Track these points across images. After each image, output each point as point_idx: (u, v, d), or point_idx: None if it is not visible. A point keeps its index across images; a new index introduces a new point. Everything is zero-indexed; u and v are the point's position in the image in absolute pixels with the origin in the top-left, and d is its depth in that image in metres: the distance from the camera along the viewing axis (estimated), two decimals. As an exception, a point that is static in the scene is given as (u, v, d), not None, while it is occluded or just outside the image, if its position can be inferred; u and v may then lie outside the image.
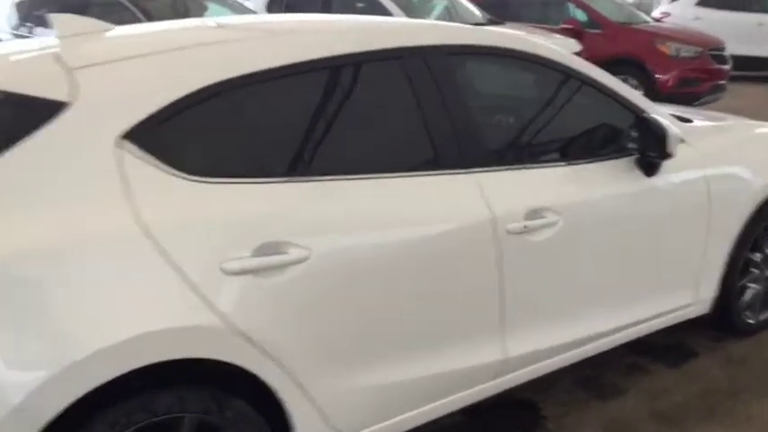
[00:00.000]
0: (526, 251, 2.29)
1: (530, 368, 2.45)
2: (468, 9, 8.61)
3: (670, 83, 8.58)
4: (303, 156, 2.05)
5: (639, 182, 2.58)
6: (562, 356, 2.56)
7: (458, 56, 2.32)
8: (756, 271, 3.21)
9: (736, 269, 3.06)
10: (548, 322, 2.43)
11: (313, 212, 1.91)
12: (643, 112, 2.62)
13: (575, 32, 8.87)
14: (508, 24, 8.55)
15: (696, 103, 8.85)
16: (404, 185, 2.09)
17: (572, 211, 2.40)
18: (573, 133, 2.58)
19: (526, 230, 2.26)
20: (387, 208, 2.05)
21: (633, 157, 2.58)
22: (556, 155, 2.50)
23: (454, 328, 2.22)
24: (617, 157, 2.57)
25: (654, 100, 9.36)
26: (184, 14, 7.40)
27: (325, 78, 2.11)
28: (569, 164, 2.47)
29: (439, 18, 8.47)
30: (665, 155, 2.47)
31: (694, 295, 2.92)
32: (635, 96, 2.69)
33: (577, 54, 7.80)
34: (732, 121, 3.46)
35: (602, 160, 2.54)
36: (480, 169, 2.23)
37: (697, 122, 3.03)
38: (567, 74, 2.53)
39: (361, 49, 2.15)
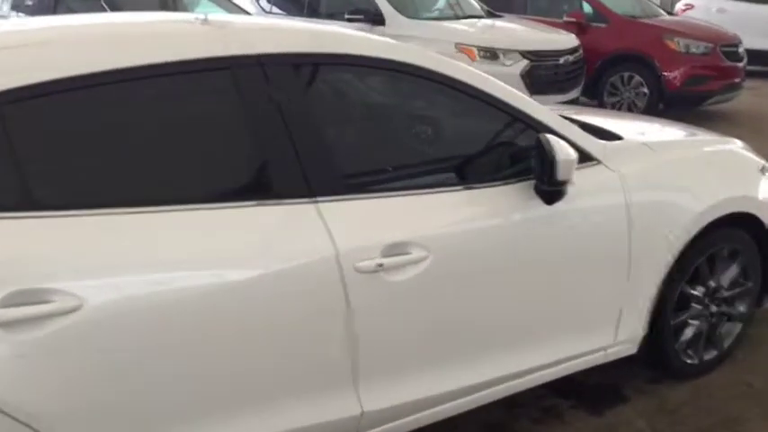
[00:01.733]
0: (383, 292, 1.99)
1: (400, 422, 2.15)
2: (468, 1, 8.25)
3: (677, 81, 8.08)
4: (78, 184, 1.75)
5: (538, 210, 2.25)
6: (447, 406, 2.25)
7: (307, 66, 2.02)
8: (698, 306, 2.85)
9: (669, 305, 2.72)
10: (418, 371, 2.12)
11: (88, 253, 1.64)
12: (545, 130, 2.29)
13: (578, 26, 8.44)
14: (506, 17, 8.17)
15: (707, 102, 8.35)
16: (218, 218, 1.80)
17: (446, 245, 2.08)
18: (454, 155, 2.27)
19: (382, 269, 1.97)
20: (192, 246, 1.76)
21: (532, 182, 2.27)
22: (429, 180, 2.18)
23: (292, 382, 1.93)
24: (512, 182, 2.25)
25: (660, 99, 9.00)
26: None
27: (103, 94, 1.78)
28: (446, 190, 2.15)
29: (441, 10, 8.12)
30: (554, 182, 2.15)
31: (615, 335, 2.59)
32: (540, 112, 2.35)
33: (575, 50, 7.41)
34: (689, 138, 3.12)
35: (491, 186, 2.22)
36: (325, 198, 1.92)
37: (629, 140, 2.68)
38: (451, 87, 2.20)
39: (161, 59, 1.83)
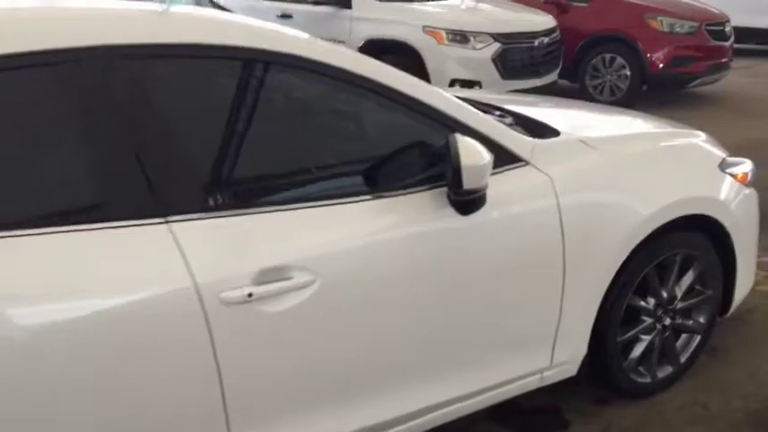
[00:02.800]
0: (256, 326, 1.70)
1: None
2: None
3: (661, 62, 7.75)
4: None
5: (453, 221, 1.95)
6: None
7: (160, 59, 1.71)
8: (649, 319, 2.57)
9: (614, 320, 2.44)
10: (305, 413, 1.84)
11: None
12: (461, 129, 2.00)
13: (558, 6, 8.09)
14: (481, -3, 7.83)
15: (693, 84, 8.02)
16: (39, 245, 1.52)
17: (337, 267, 1.79)
18: (354, 160, 1.96)
19: (253, 299, 1.69)
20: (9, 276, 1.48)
21: (444, 190, 1.97)
22: (322, 190, 1.87)
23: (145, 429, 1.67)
24: (423, 190, 1.94)
25: (643, 81, 8.65)
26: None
27: None
28: (342, 202, 1.84)
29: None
30: (461, 191, 1.86)
31: (551, 356, 2.31)
32: (456, 108, 2.04)
33: (551, 32, 7.08)
34: (641, 132, 2.81)
35: (397, 195, 1.91)
36: (180, 217, 1.63)
37: (565, 136, 2.37)
38: (351, 83, 1.88)
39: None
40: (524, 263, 2.12)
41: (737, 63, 9.22)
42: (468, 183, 1.81)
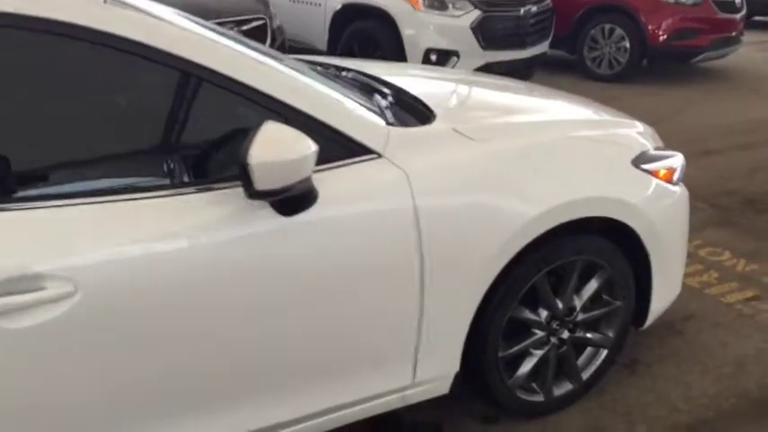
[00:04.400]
0: None
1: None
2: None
3: (663, 35, 7.26)
4: None
5: (269, 222, 1.67)
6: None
7: None
8: (540, 333, 2.29)
9: (493, 334, 2.16)
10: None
11: None
12: (289, 113, 1.71)
13: (557, -27, 7.62)
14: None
15: (697, 59, 7.53)
16: None
17: (106, 276, 1.51)
18: (145, 149, 1.68)
19: (-7, 313, 1.44)
20: None
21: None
22: (100, 184, 1.58)
23: None
24: (230, 187, 1.64)
25: (644, 55, 8.21)
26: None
27: None
28: (123, 198, 1.56)
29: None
30: (254, 191, 1.56)
31: (413, 374, 2.03)
32: (286, 89, 1.73)
33: (540, 0, 6.63)
34: (544, 121, 2.43)
35: (196, 192, 1.63)
36: None
37: (437, 125, 2.05)
38: (144, 57, 1.60)
39: None
40: (368, 271, 1.84)
41: (751, 37, 8.70)
42: (262, 182, 1.52)
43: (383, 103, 2.14)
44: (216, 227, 1.64)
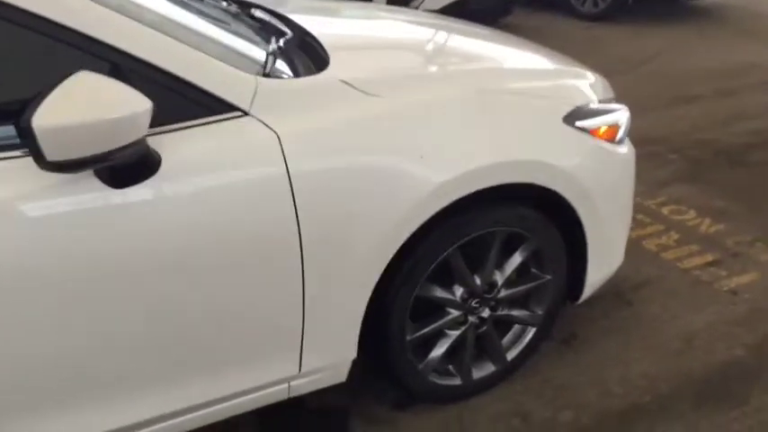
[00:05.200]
0: None
1: None
2: None
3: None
4: None
5: (97, 196, 1.39)
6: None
7: None
8: (456, 312, 2.04)
9: (396, 316, 1.90)
10: None
11: None
12: (122, 62, 1.41)
13: None
14: None
15: (687, -4, 7.09)
16: None
17: None
18: None
19: None
20: None
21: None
22: None
23: None
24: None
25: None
26: None
27: None
28: None
29: None
30: (45, 163, 1.26)
31: (299, 362, 1.79)
32: (118, 31, 1.40)
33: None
34: (472, 69, 2.15)
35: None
36: None
37: (327, 74, 1.74)
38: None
39: None
40: (230, 251, 1.57)
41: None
42: (54, 150, 1.24)
43: (274, 48, 1.83)
44: (34, 199, 1.37)
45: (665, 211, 3.36)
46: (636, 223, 3.22)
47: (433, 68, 2.06)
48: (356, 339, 1.84)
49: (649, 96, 4.99)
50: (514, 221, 1.97)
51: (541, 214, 2.01)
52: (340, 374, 1.90)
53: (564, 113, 1.98)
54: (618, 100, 2.30)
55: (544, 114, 1.96)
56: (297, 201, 1.59)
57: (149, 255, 1.48)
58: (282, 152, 1.57)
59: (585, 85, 2.23)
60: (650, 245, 3.04)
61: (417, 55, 2.24)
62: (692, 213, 3.33)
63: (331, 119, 1.66)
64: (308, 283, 1.69)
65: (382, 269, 1.77)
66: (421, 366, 2.02)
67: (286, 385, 1.82)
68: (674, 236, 3.12)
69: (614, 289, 2.69)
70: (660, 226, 3.22)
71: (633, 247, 2.98)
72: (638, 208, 3.36)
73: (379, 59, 2.07)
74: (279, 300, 1.68)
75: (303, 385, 1.85)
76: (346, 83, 1.72)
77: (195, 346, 1.65)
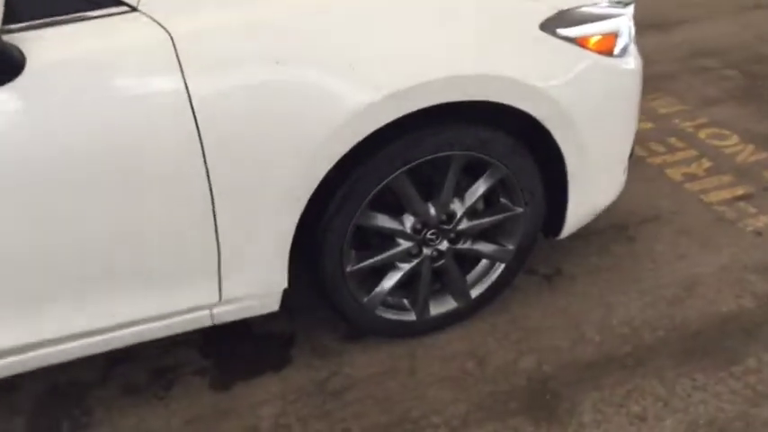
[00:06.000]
0: None
1: None
2: None
3: None
4: None
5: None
6: None
7: None
8: (406, 243, 1.83)
9: (332, 245, 1.71)
10: None
11: None
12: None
13: None
14: None
15: None
16: None
17: None
18: None
19: None
20: None
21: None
22: None
23: None
24: None
25: None
26: None
27: None
28: None
29: None
30: None
31: (219, 290, 1.63)
32: None
33: None
34: None
35: None
36: None
37: None
38: None
39: None
40: (119, 165, 1.39)
41: None
42: None
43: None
44: None
45: (702, 134, 2.98)
46: (665, 148, 2.87)
47: None
48: (284, 268, 1.67)
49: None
50: (474, 145, 1.70)
51: (511, 138, 1.75)
52: (270, 304, 1.75)
53: (542, 19, 1.67)
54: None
55: (513, 19, 1.64)
56: (196, 112, 1.39)
57: (22, 167, 1.33)
58: (177, 56, 1.36)
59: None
60: (675, 173, 2.70)
61: None
62: (733, 139, 2.94)
63: (237, 18, 1.42)
64: (219, 208, 1.51)
65: (308, 195, 1.58)
66: (366, 300, 1.85)
67: (208, 312, 1.68)
68: (706, 164, 2.77)
69: (618, 221, 2.41)
70: (692, 152, 2.85)
71: (654, 174, 2.68)
72: (670, 130, 3.00)
73: None
74: (185, 223, 1.51)
75: (227, 313, 1.71)
76: (262, -25, 1.47)
77: (97, 264, 1.52)
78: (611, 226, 2.38)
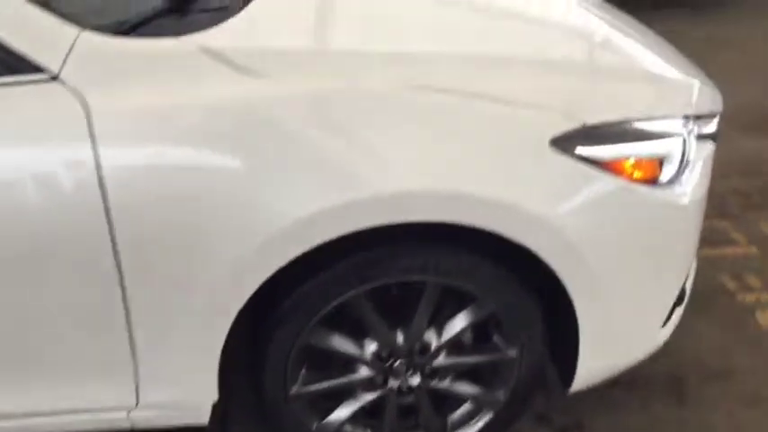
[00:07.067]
0: None
1: None
2: None
3: None
4: None
5: None
6: None
7: None
8: (368, 371, 1.50)
9: (274, 363, 1.45)
10: None
11: None
12: None
13: None
14: None
15: None
16: None
17: None
18: None
19: None
20: None
21: None
22: None
23: None
24: None
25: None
26: None
27: None
28: None
29: None
30: None
31: (136, 394, 1.43)
32: None
33: None
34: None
35: None
36: None
37: (201, 37, 1.29)
38: None
39: None
40: (22, 244, 1.23)
41: None
42: None
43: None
44: None
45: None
46: (763, 282, 2.38)
47: (372, 46, 1.48)
48: (213, 381, 1.44)
49: None
50: (453, 272, 1.41)
51: (502, 267, 1.43)
52: (200, 415, 1.52)
53: (555, 133, 1.36)
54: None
55: (509, 130, 1.33)
56: (109, 200, 1.22)
57: None
58: (91, 130, 1.20)
59: (647, 91, 1.54)
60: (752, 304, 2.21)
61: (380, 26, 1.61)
62: None
63: (173, 98, 1.23)
64: (132, 306, 1.32)
65: (237, 307, 1.35)
66: (316, 426, 1.57)
67: (125, 414, 1.48)
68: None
69: (676, 370, 1.98)
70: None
71: (740, 317, 2.21)
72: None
73: (314, 26, 1.57)
74: (94, 317, 1.34)
75: (147, 419, 1.50)
76: (212, 52, 1.27)
77: (5, 348, 1.38)
78: (665, 374, 1.95)
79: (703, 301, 2.16)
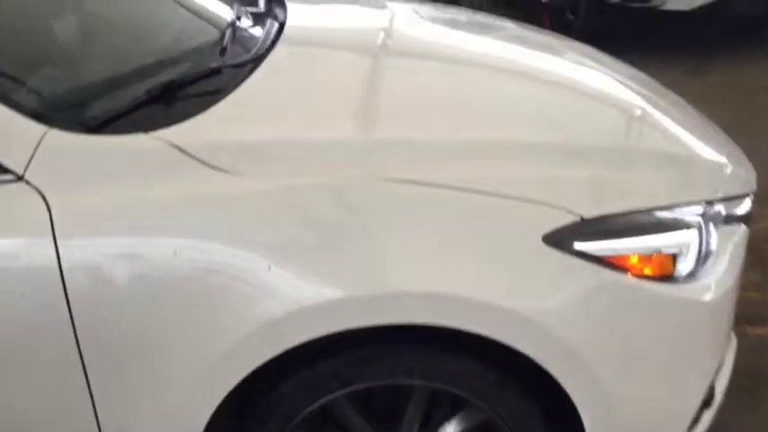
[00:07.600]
0: None
1: None
2: None
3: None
4: None
5: None
6: None
7: None
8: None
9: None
10: None
11: None
12: None
13: None
14: None
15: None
16: None
17: None
18: None
19: None
20: None
21: None
22: None
23: None
24: None
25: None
26: None
27: None
28: None
29: None
30: None
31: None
32: None
33: None
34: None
35: None
36: None
37: (180, 130, 1.24)
38: None
39: None
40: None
41: None
42: None
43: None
44: None
45: None
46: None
47: (359, 135, 1.41)
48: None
49: None
50: (441, 377, 1.30)
51: (496, 371, 1.31)
52: None
53: (548, 229, 1.24)
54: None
55: (501, 227, 1.23)
56: (72, 306, 1.17)
57: None
58: (53, 233, 1.16)
59: (665, 176, 1.42)
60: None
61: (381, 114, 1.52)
62: None
63: (138, 195, 1.19)
64: (100, 412, 1.26)
65: (209, 411, 1.27)
66: None
67: None
68: None
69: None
70: None
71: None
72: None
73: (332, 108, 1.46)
74: (63, 418, 1.29)
75: None
76: (180, 149, 1.22)
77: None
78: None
79: (749, 396, 1.96)
